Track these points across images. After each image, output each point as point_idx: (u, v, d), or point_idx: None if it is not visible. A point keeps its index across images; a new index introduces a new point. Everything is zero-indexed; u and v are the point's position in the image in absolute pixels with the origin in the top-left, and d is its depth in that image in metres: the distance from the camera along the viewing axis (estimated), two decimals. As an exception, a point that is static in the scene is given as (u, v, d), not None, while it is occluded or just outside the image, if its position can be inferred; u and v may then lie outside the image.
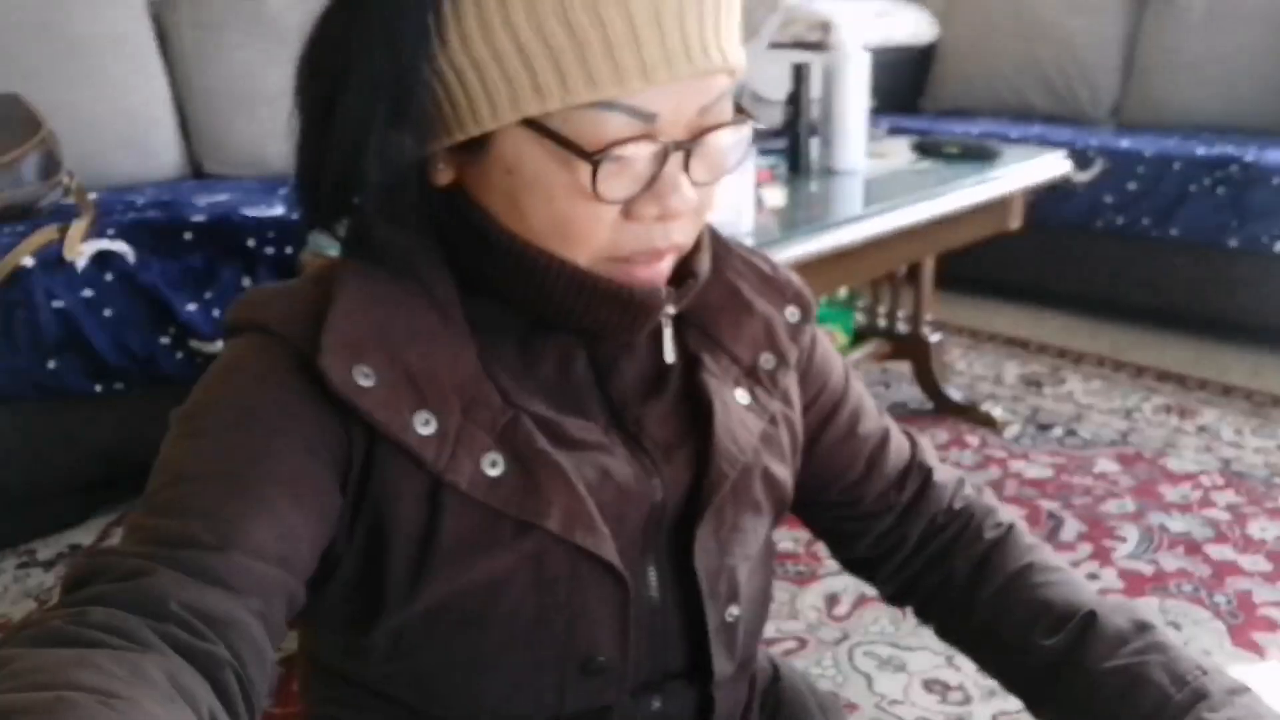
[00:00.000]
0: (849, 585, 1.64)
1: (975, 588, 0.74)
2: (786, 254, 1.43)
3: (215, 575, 0.48)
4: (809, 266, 1.48)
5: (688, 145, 0.55)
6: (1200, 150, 2.59)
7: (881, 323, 2.41)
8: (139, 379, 1.74)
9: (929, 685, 1.43)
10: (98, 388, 1.72)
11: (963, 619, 0.75)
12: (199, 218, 1.85)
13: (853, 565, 0.83)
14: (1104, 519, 1.84)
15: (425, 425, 0.55)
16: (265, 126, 2.37)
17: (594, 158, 0.53)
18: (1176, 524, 1.81)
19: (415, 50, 0.53)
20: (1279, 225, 2.44)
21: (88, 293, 1.68)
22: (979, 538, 0.76)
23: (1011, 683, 0.73)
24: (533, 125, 0.53)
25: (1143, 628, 0.67)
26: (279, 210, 1.92)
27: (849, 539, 0.80)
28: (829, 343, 0.79)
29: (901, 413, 2.32)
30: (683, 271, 0.63)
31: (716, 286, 0.69)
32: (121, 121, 2.24)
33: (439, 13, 0.53)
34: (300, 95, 0.59)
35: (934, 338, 2.32)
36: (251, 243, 1.83)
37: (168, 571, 0.47)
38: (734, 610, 0.68)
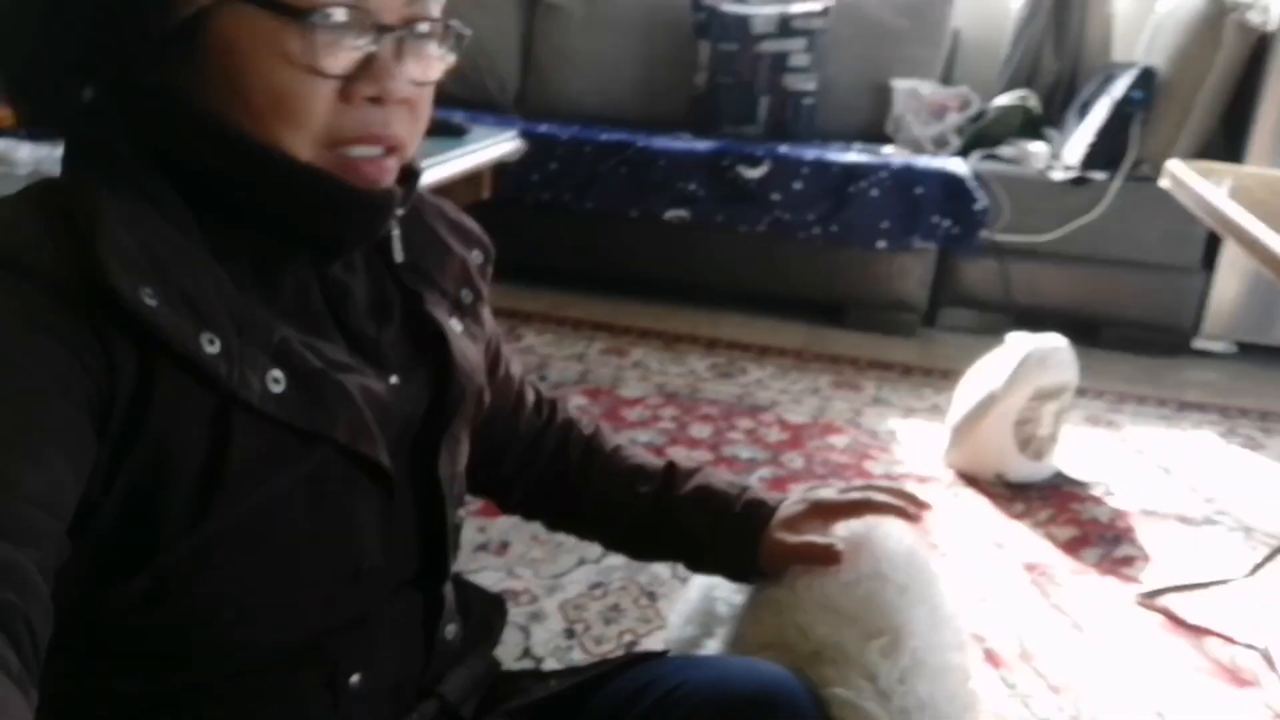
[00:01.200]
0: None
1: (586, 470, 0.95)
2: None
3: None
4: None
5: (400, 32, 0.59)
6: (604, 136, 3.12)
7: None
8: None
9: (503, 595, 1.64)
10: None
11: (577, 498, 0.95)
12: None
13: (487, 487, 0.94)
14: (589, 440, 2.21)
15: (211, 344, 0.56)
16: None
17: (306, 17, 0.56)
18: (641, 437, 2.25)
19: None
20: (666, 198, 3.05)
21: None
22: (581, 436, 0.97)
23: (621, 537, 0.97)
24: None
25: (700, 465, 0.97)
26: None
27: (494, 464, 0.91)
28: None
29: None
30: (402, 173, 0.66)
31: (420, 229, 0.76)
32: None
33: None
34: None
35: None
36: None
37: None
38: (460, 513, 0.76)
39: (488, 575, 1.68)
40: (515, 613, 1.59)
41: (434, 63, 0.64)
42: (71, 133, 0.61)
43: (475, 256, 0.81)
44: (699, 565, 0.97)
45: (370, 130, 0.60)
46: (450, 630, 0.77)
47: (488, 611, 0.88)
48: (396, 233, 0.72)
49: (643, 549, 0.98)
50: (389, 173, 0.63)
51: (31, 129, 0.60)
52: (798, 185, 2.97)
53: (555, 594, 1.66)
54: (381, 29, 0.59)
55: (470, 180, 2.22)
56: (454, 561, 0.78)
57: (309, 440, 0.60)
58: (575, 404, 2.40)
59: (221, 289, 0.58)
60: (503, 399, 0.89)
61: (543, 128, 3.19)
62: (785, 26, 3.24)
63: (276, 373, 0.59)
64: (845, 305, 3.11)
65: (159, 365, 0.54)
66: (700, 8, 3.32)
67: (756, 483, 2.06)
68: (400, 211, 0.68)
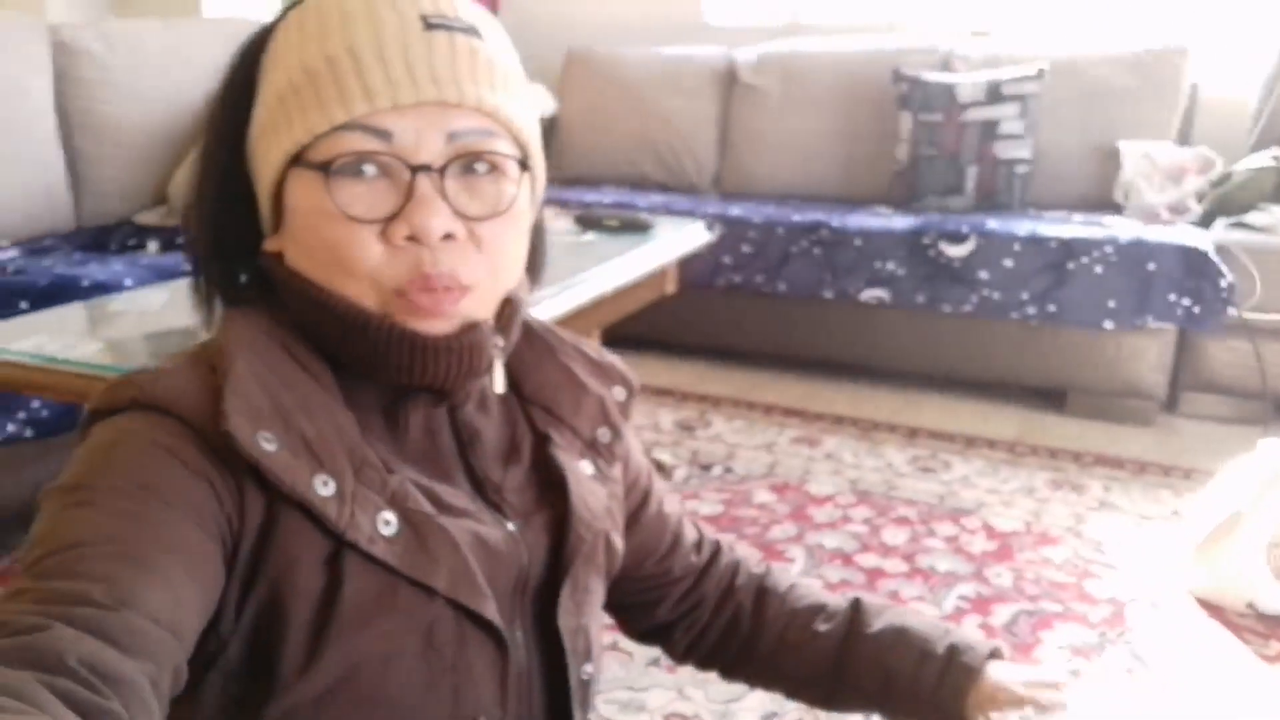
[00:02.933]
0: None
1: (760, 612, 0.89)
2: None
3: (111, 635, 0.47)
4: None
5: (438, 169, 0.60)
6: (796, 216, 3.03)
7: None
8: None
9: (668, 719, 1.54)
10: None
11: (752, 643, 0.89)
12: None
13: (649, 633, 0.93)
14: (773, 544, 2.09)
15: (325, 486, 0.58)
16: None
17: (325, 167, 0.60)
18: (829, 540, 2.11)
19: (234, 139, 0.65)
20: (862, 278, 2.91)
21: None
22: (751, 575, 0.91)
23: (803, 682, 0.88)
24: (297, 162, 0.61)
25: (889, 604, 0.88)
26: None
27: (651, 607, 0.90)
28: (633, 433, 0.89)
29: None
30: (502, 311, 0.67)
31: (554, 370, 0.77)
32: None
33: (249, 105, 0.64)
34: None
35: (603, 395, 2.48)
36: None
37: (64, 628, 0.46)
38: (588, 668, 0.74)
39: (656, 694, 1.60)
40: (679, 743, 1.49)
41: (491, 195, 0.62)
42: (226, 299, 0.70)
43: (616, 393, 0.80)
44: (894, 712, 0.86)
45: (421, 270, 0.60)
46: None
47: None
48: (499, 365, 0.70)
49: (830, 695, 0.89)
50: (447, 311, 0.62)
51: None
52: (1008, 262, 2.75)
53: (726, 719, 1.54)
54: (415, 169, 0.60)
55: (655, 277, 2.18)
56: (585, 717, 0.74)
57: (420, 590, 0.61)
58: (760, 500, 2.29)
59: (344, 433, 0.61)
60: (653, 540, 0.87)
61: (735, 210, 3.14)
62: (995, 93, 3.05)
63: (388, 514, 0.60)
64: (1066, 390, 2.84)
65: (281, 507, 0.58)
66: (902, 79, 3.19)
67: (955, 603, 1.87)
68: (500, 343, 0.67)
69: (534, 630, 0.70)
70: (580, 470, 0.74)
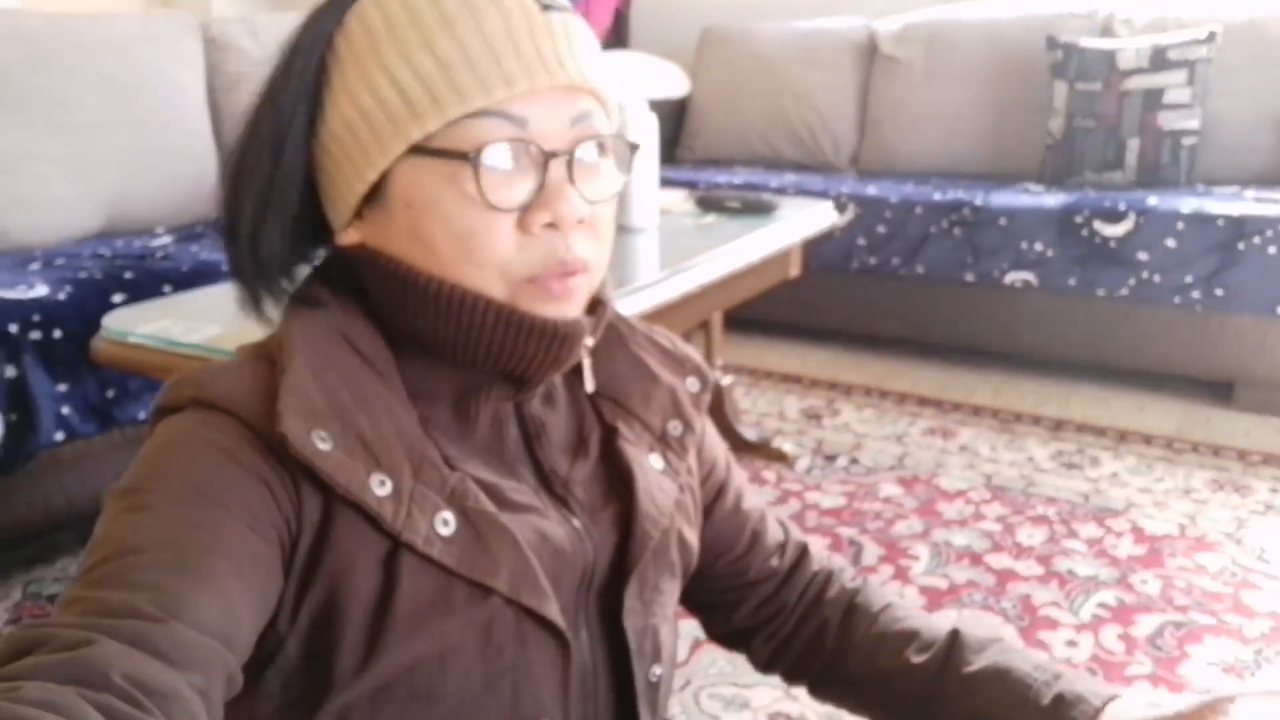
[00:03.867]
0: (683, 630, 1.68)
1: (848, 631, 0.81)
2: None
3: (158, 647, 0.47)
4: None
5: (566, 154, 0.60)
6: (937, 195, 2.89)
7: (674, 369, 2.50)
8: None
9: (773, 718, 1.49)
10: None
11: (838, 663, 0.82)
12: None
13: (729, 637, 0.88)
14: (897, 540, 2.00)
15: (381, 486, 0.57)
16: (2, 195, 2.15)
17: (471, 157, 0.57)
18: (958, 538, 2.00)
19: (305, 129, 0.61)
20: (1007, 260, 2.75)
21: None
22: (843, 590, 0.84)
23: (894, 709, 0.79)
24: (418, 151, 0.58)
25: (995, 636, 0.77)
26: (40, 290, 1.75)
27: (728, 609, 0.85)
28: (711, 424, 0.84)
29: (700, 454, 2.41)
30: (591, 302, 0.66)
31: (625, 360, 0.74)
32: None
33: (317, 98, 0.61)
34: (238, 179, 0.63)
35: (725, 380, 2.44)
36: (14, 328, 1.64)
37: (110, 642, 0.46)
38: (657, 670, 0.71)
39: (762, 692, 1.55)
40: (783, 745, 1.44)
41: (607, 180, 0.63)
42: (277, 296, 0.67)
43: (690, 384, 0.78)
44: None
45: (557, 257, 0.60)
46: None
47: None
48: (588, 362, 0.70)
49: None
50: (577, 295, 0.63)
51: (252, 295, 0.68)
52: (1170, 242, 2.54)
53: (833, 726, 1.48)
54: (548, 155, 0.59)
55: (776, 260, 2.11)
56: (657, 719, 0.72)
57: (475, 592, 0.60)
58: (887, 493, 2.19)
59: (404, 430, 0.60)
60: (728, 536, 0.83)
61: (871, 189, 3.01)
62: (1160, 59, 2.82)
63: (446, 514, 0.59)
64: (1233, 383, 2.61)
65: (338, 506, 0.57)
66: (1057, 45, 2.98)
67: (1093, 611, 1.74)
68: (590, 342, 0.67)
69: (600, 629, 0.68)
70: (649, 465, 0.72)
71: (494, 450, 0.66)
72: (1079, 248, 2.66)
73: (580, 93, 0.61)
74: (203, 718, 0.47)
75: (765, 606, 0.84)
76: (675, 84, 3.78)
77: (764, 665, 0.87)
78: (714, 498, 0.81)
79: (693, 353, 0.80)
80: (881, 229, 2.93)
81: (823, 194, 2.84)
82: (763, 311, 3.10)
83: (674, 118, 3.79)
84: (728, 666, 1.61)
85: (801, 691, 1.54)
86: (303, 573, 0.57)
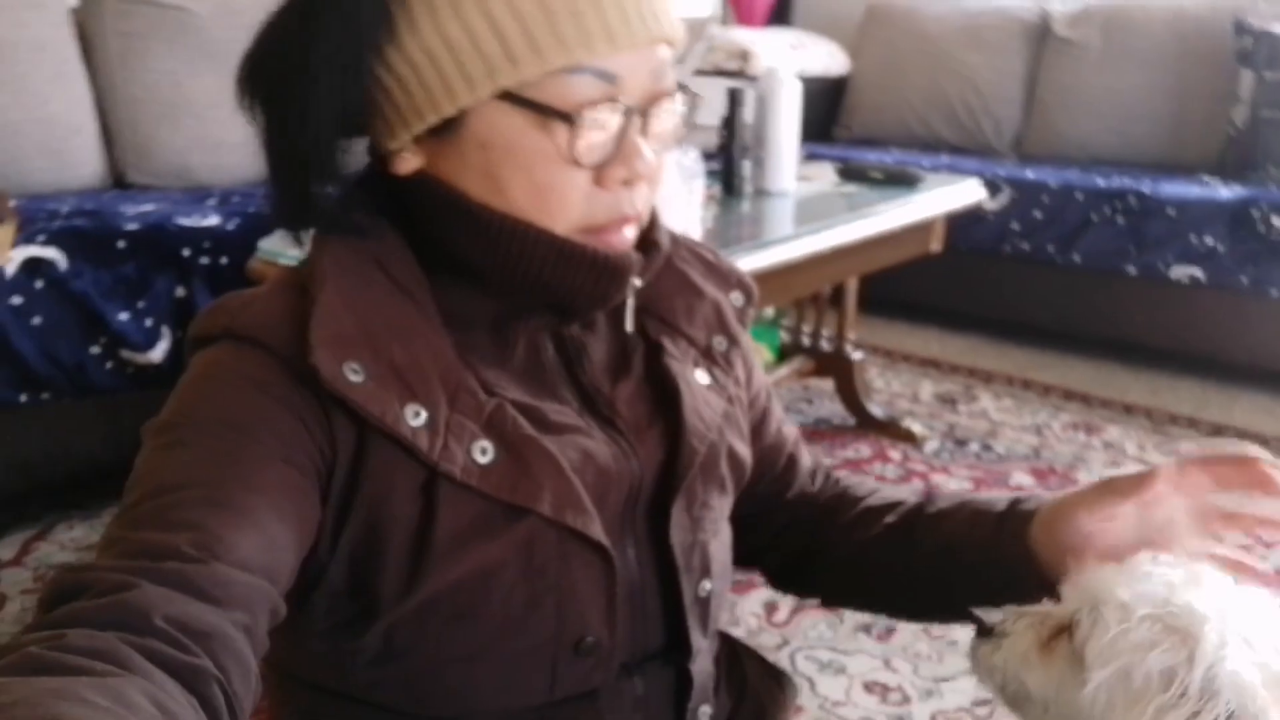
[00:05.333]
0: (786, 597, 1.68)
1: (835, 518, 0.82)
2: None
3: (199, 588, 0.47)
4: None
5: (646, 109, 0.59)
6: (1100, 181, 2.75)
7: (806, 341, 2.49)
8: (67, 389, 1.69)
9: (869, 687, 1.48)
10: (23, 397, 1.66)
11: (829, 552, 0.82)
12: (131, 226, 1.81)
13: (744, 556, 0.83)
14: (1021, 527, 1.93)
15: (416, 417, 0.56)
16: (190, 137, 2.34)
17: (574, 119, 0.56)
18: (1088, 531, 1.91)
19: (376, 42, 0.56)
20: (1173, 253, 2.60)
21: (16, 300, 1.63)
22: (852, 497, 0.83)
23: (876, 582, 0.80)
24: (508, 97, 0.56)
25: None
26: (213, 220, 1.90)
27: (750, 529, 0.82)
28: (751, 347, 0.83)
29: (825, 428, 2.39)
30: (643, 243, 0.66)
31: (668, 274, 0.73)
32: (42, 129, 2.18)
33: (387, 11, 0.56)
34: (253, 99, 0.59)
35: (856, 355, 2.41)
36: (186, 252, 1.80)
37: (151, 586, 0.45)
38: (706, 585, 0.70)
39: (861, 660, 1.54)
40: (877, 710, 1.43)
41: (668, 127, 0.62)
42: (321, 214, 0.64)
43: (734, 299, 0.76)
44: (958, 588, 0.75)
45: (621, 212, 0.60)
46: (704, 712, 0.72)
47: (763, 691, 0.82)
48: (631, 302, 0.69)
49: (900, 590, 0.80)
50: (630, 243, 0.63)
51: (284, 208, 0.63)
52: (1359, 242, 2.34)
53: (930, 699, 1.46)
54: (629, 111, 0.58)
55: (916, 232, 2.07)
56: (709, 636, 0.72)
57: (515, 513, 0.59)
58: (1018, 482, 2.12)
59: (440, 357, 0.59)
60: (770, 458, 0.82)
61: (1029, 173, 2.90)
62: (1366, 44, 2.59)
63: (484, 443, 0.58)
64: None
65: (372, 437, 0.56)
66: (1245, 31, 2.78)
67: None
68: (638, 282, 0.66)
69: (648, 546, 0.68)
70: (694, 380, 0.71)
71: (533, 374, 0.65)
72: (1253, 243, 2.49)
73: (661, 44, 0.59)
74: (248, 655, 0.47)
75: (783, 523, 0.84)
76: (835, 62, 3.72)
77: (775, 581, 0.87)
78: (759, 420, 0.81)
79: (734, 267, 0.78)
80: (1038, 213, 2.81)
81: (978, 175, 2.75)
82: (907, 293, 3.04)
83: (832, 96, 3.74)
84: (828, 631, 1.61)
85: (903, 664, 1.52)
86: (340, 501, 0.57)
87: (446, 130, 0.58)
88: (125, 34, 2.31)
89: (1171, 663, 0.58)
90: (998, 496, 0.75)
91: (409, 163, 0.60)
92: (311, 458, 0.55)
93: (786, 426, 0.84)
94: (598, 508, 0.62)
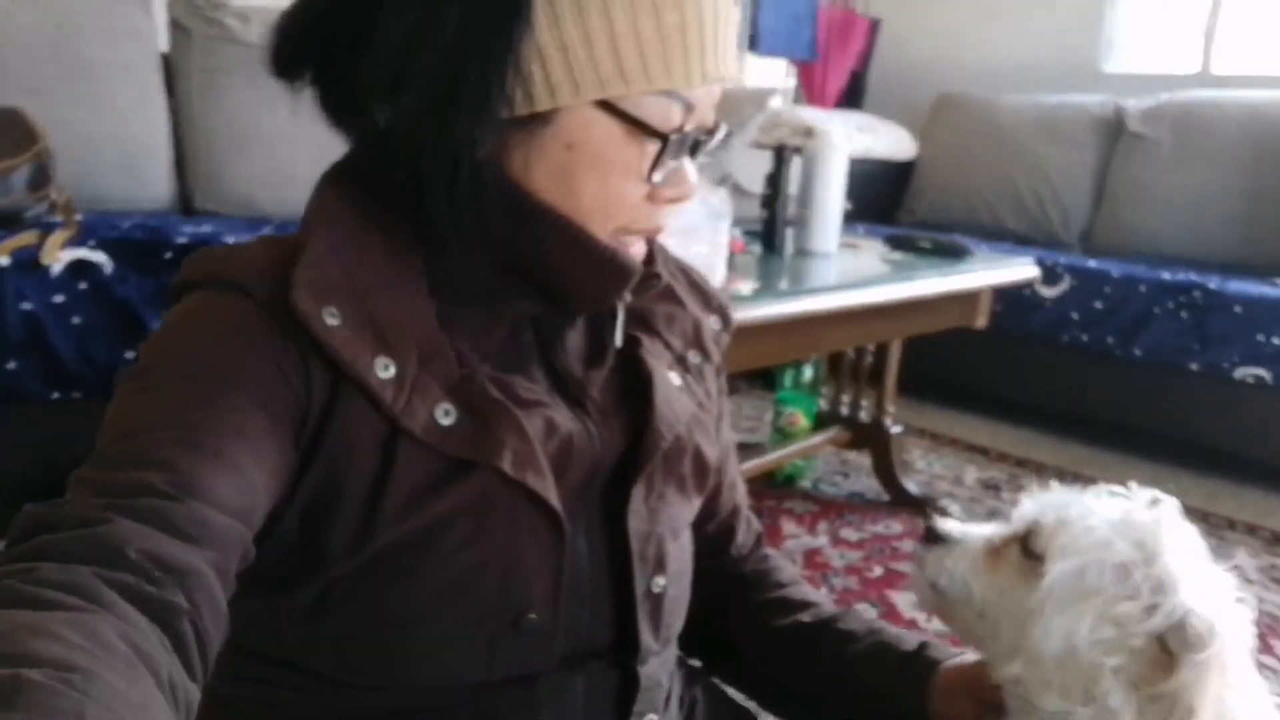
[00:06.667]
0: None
1: (749, 598, 0.84)
2: (756, 313, 1.45)
3: (173, 524, 0.46)
4: (776, 329, 1.51)
5: (700, 139, 0.62)
6: (1165, 275, 2.68)
7: (845, 411, 2.43)
8: (98, 389, 1.73)
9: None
10: (55, 394, 1.71)
11: (732, 628, 0.83)
12: (182, 240, 1.87)
13: None
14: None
15: (385, 370, 0.57)
16: (258, 170, 2.43)
17: (672, 140, 0.59)
18: (1124, 626, 1.80)
19: (511, 27, 0.55)
20: (1238, 352, 2.50)
21: (59, 298, 1.68)
22: (772, 580, 0.85)
23: (768, 673, 0.82)
24: (607, 106, 0.58)
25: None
26: (261, 240, 1.95)
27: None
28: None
29: (858, 502, 2.32)
30: (646, 271, 0.68)
31: (655, 279, 0.73)
32: (120, 147, 2.28)
33: None
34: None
35: (895, 429, 2.34)
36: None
37: (125, 520, 0.45)
38: (660, 581, 0.69)
39: None
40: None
41: (703, 164, 0.66)
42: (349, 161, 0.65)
43: (712, 322, 0.78)
44: (843, 708, 0.79)
45: (657, 224, 0.64)
46: None
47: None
48: (621, 316, 0.70)
49: (786, 687, 0.82)
50: (643, 252, 0.67)
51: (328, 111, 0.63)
52: None
53: None
54: (695, 140, 0.62)
55: (958, 301, 2.03)
56: (661, 640, 0.70)
57: (476, 468, 0.59)
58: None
59: (420, 320, 0.60)
60: (722, 501, 0.83)
61: (1091, 263, 2.83)
62: None
63: (448, 405, 0.59)
64: None
65: (345, 386, 0.57)
66: (1326, 131, 2.71)
67: None
68: (629, 298, 0.69)
69: (602, 533, 0.67)
70: (668, 376, 0.71)
71: (509, 353, 0.65)
72: (1324, 345, 2.38)
73: (728, 82, 0.62)
74: (219, 594, 0.47)
75: (708, 577, 0.81)
76: (903, 146, 3.73)
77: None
78: (721, 457, 0.80)
79: (718, 293, 0.80)
80: (1099, 304, 2.74)
81: (1037, 261, 2.70)
82: (958, 379, 2.98)
83: (898, 180, 3.74)
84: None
85: None
86: (307, 448, 0.56)
87: (533, 123, 0.58)
88: (210, 69, 2.43)
89: (1127, 559, 0.60)
90: (907, 635, 0.78)
91: (474, 144, 0.59)
92: (287, 405, 0.55)
93: (739, 476, 0.86)
94: (556, 481, 0.62)
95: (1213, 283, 2.58)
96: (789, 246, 2.01)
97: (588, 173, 0.59)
